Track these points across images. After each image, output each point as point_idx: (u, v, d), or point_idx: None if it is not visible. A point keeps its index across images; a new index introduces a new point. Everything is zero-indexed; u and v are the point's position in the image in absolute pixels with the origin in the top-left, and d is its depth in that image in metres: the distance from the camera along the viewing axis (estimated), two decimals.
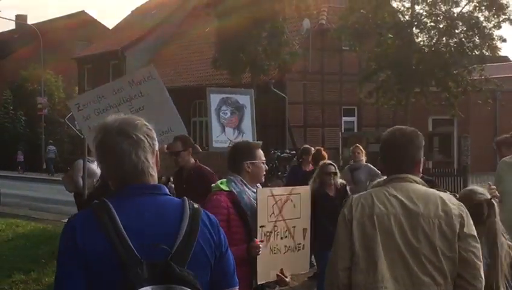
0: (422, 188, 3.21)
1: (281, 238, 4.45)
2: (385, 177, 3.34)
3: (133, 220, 2.26)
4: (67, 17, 52.32)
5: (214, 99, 8.61)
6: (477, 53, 23.83)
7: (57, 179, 27.45)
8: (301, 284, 8.98)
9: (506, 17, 23.15)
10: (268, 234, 4.36)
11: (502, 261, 3.70)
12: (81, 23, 49.86)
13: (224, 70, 24.60)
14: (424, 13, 24.11)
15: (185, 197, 2.41)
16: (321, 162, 8.26)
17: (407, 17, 24.21)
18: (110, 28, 48.14)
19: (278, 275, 4.40)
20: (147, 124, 2.42)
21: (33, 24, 47.78)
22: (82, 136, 9.12)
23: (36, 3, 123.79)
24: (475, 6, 23.49)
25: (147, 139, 2.37)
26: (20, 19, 52.08)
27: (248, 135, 8.55)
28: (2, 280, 9.13)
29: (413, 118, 23.78)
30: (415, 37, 24.54)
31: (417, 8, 24.11)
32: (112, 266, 2.18)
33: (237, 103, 8.68)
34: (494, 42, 23.69)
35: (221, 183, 4.47)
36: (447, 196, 3.20)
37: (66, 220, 2.41)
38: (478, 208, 3.80)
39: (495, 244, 3.73)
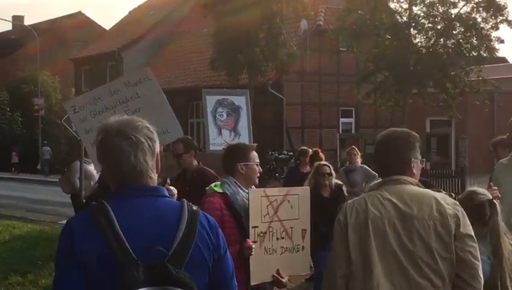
0: (416, 189, 3.18)
1: (277, 239, 4.44)
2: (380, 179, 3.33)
3: (132, 222, 2.27)
4: (64, 18, 52.34)
5: (210, 101, 8.58)
6: (475, 54, 23.87)
7: (52, 181, 27.49)
8: (298, 285, 8.95)
9: (504, 18, 23.17)
10: (262, 234, 4.35)
11: (506, 261, 3.69)
12: (78, 24, 49.89)
13: (222, 72, 24.61)
14: (422, 14, 24.13)
15: (184, 199, 2.42)
16: (316, 163, 8.29)
17: (404, 18, 24.23)
18: (107, 29, 48.15)
19: (274, 276, 4.38)
20: (148, 126, 2.42)
21: (30, 25, 47.77)
22: (79, 138, 9.08)
23: (33, 4, 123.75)
24: (473, 8, 23.51)
25: (146, 141, 2.37)
26: (17, 20, 52.09)
27: (244, 136, 8.52)
28: None
29: (411, 119, 23.79)
30: (413, 38, 24.56)
31: (415, 9, 24.14)
32: (109, 267, 2.19)
33: (233, 105, 8.65)
34: (491, 43, 23.70)
35: (215, 185, 4.48)
36: (441, 196, 3.17)
37: (63, 222, 2.41)
38: (480, 209, 3.80)
39: (499, 244, 3.73)
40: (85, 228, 2.26)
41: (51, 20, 52.91)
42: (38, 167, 37.06)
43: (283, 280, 4.40)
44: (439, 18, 23.85)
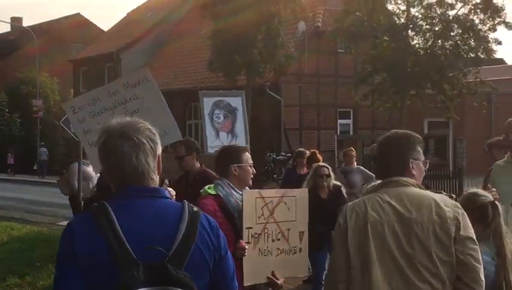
0: (417, 192, 3.16)
1: (273, 240, 4.44)
2: (379, 180, 3.33)
3: (132, 223, 2.29)
4: (62, 19, 52.29)
5: (207, 103, 8.57)
6: (472, 56, 23.90)
7: (48, 182, 27.50)
8: (296, 287, 8.92)
9: (502, 19, 23.20)
10: (256, 235, 4.35)
11: (509, 261, 3.70)
12: (77, 25, 49.82)
13: (220, 73, 24.60)
14: (420, 16, 24.15)
15: (185, 201, 2.44)
16: (315, 165, 8.32)
17: (402, 20, 24.26)
18: (106, 30, 48.10)
19: (269, 278, 4.38)
20: (150, 127, 2.44)
21: (28, 26, 47.71)
22: (77, 139, 9.08)
23: (32, 5, 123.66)
24: (470, 9, 23.54)
25: (148, 142, 2.39)
26: (16, 21, 52.01)
27: (241, 138, 8.51)
28: None
29: (409, 120, 23.80)
30: (411, 40, 24.58)
31: (413, 10, 24.16)
32: (109, 268, 2.21)
33: (229, 106, 8.64)
34: (489, 45, 23.72)
35: (208, 188, 4.51)
36: (441, 198, 3.14)
37: (61, 223, 2.45)
38: (483, 211, 3.79)
39: (502, 244, 3.72)
40: (86, 229, 2.28)
41: (49, 21, 52.84)
42: (35, 168, 37.09)
43: (278, 282, 4.38)
44: (436, 20, 23.88)
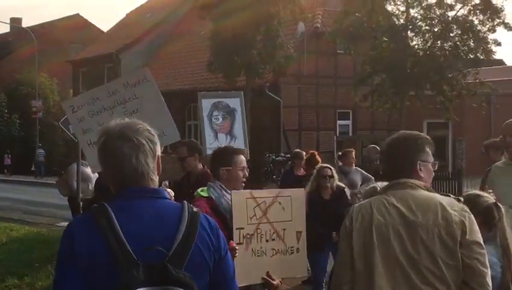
0: (424, 194, 3.12)
1: (267, 241, 4.41)
2: (378, 181, 3.32)
3: (132, 223, 2.30)
4: (62, 20, 52.23)
5: (206, 104, 8.56)
6: (471, 56, 23.92)
7: (44, 182, 27.49)
8: (295, 287, 8.84)
9: (501, 20, 23.22)
10: (249, 236, 4.33)
11: None
12: (76, 26, 49.77)
13: (219, 74, 24.61)
14: (419, 17, 24.17)
15: (185, 201, 2.45)
16: (318, 165, 8.34)
17: (402, 21, 24.27)
18: (105, 31, 48.09)
19: (263, 278, 4.36)
20: (149, 128, 2.45)
21: (28, 27, 47.66)
22: (76, 140, 9.06)
23: (31, 6, 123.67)
24: (470, 10, 23.56)
25: (148, 143, 2.40)
26: (15, 22, 52.00)
27: (240, 139, 8.49)
28: None
29: (408, 121, 23.80)
30: (410, 41, 24.60)
31: (412, 11, 24.17)
32: (109, 268, 2.21)
33: (228, 107, 8.63)
34: (488, 46, 23.76)
35: (201, 190, 4.53)
36: (448, 202, 3.09)
37: (60, 224, 2.45)
38: (489, 213, 3.78)
39: (507, 246, 3.72)
40: (86, 229, 2.29)
41: (48, 22, 52.79)
42: (33, 168, 37.13)
43: (274, 282, 4.35)
44: (436, 20, 23.90)
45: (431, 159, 3.25)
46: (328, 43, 27.10)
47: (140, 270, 2.18)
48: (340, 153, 11.86)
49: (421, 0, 23.78)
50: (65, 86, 42.83)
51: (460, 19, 23.64)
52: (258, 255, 4.36)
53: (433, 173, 3.30)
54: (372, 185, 5.15)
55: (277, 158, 25.24)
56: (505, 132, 5.35)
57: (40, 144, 37.95)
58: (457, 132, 28.09)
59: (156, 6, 40.67)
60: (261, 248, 4.37)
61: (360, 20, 23.60)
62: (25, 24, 52.60)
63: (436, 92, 23.75)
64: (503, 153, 5.67)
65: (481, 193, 4.06)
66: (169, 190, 7.06)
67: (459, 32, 23.63)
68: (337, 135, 29.84)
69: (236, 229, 4.28)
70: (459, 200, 3.17)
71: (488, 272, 3.02)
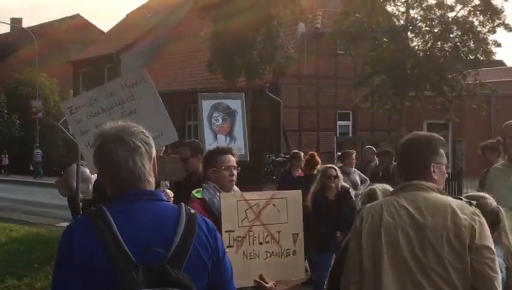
0: (435, 197, 3.10)
1: (260, 243, 4.33)
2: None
3: (130, 226, 2.30)
4: (62, 20, 52.27)
5: (206, 106, 8.55)
6: (471, 57, 23.90)
7: (45, 182, 27.45)
8: (292, 288, 8.74)
9: (501, 21, 23.21)
10: (240, 239, 4.26)
11: None
12: (76, 26, 49.80)
13: (219, 74, 24.61)
14: (419, 18, 24.16)
15: (182, 203, 2.46)
16: (323, 166, 8.40)
17: (402, 22, 24.27)
18: (106, 31, 48.09)
19: (256, 281, 4.30)
20: (144, 130, 2.46)
21: (28, 27, 47.64)
22: (75, 140, 9.05)
23: (31, 6, 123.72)
24: (470, 11, 23.55)
25: (143, 145, 2.41)
26: (15, 22, 51.98)
27: (239, 141, 8.48)
28: None
29: (408, 122, 23.81)
30: (410, 42, 24.59)
31: (412, 12, 24.16)
32: (107, 271, 2.22)
33: (228, 109, 8.61)
34: (488, 47, 23.74)
35: (196, 192, 4.52)
36: (459, 205, 3.07)
37: (60, 225, 2.45)
38: (496, 215, 3.79)
39: (508, 247, 3.74)
40: (84, 232, 2.30)
41: (49, 22, 52.81)
42: (31, 168, 37.15)
43: (267, 285, 4.28)
44: (436, 21, 23.89)
45: (445, 161, 3.26)
46: (329, 43, 27.10)
47: (139, 272, 2.18)
48: (339, 154, 11.86)
49: (421, 1, 23.78)
50: (65, 87, 42.80)
51: (461, 19, 23.63)
52: (251, 258, 4.29)
53: (446, 175, 3.28)
54: (370, 187, 5.15)
55: (277, 159, 25.24)
56: (504, 133, 5.33)
57: (37, 145, 37.91)
58: (457, 133, 28.06)
59: (157, 7, 40.67)
60: (253, 250, 4.30)
61: (360, 21, 23.60)
62: (25, 24, 52.65)
63: (436, 93, 23.74)
64: (499, 155, 5.66)
65: (484, 195, 4.04)
66: (168, 191, 7.06)
67: (459, 33, 23.62)
68: (337, 135, 29.83)
69: (226, 231, 4.20)
70: (470, 204, 3.13)
71: (498, 276, 2.99)
